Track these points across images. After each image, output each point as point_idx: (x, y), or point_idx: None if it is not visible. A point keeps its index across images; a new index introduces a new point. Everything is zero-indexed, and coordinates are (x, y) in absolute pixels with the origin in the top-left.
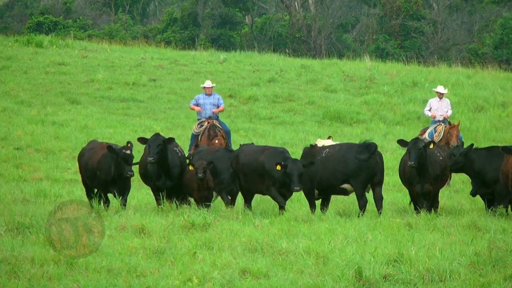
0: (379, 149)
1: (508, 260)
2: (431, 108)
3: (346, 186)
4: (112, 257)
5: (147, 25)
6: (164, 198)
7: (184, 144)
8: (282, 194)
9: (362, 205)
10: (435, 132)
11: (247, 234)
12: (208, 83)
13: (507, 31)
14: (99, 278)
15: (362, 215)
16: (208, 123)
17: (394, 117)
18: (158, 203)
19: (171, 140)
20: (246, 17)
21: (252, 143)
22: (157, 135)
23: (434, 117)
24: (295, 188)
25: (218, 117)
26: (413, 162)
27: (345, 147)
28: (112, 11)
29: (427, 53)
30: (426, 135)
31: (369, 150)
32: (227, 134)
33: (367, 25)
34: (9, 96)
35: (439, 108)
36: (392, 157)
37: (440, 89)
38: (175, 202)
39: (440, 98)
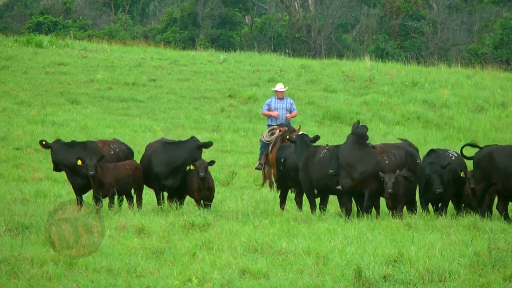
0: None
1: (508, 260)
2: None
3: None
4: (112, 257)
5: (147, 25)
6: (166, 198)
7: None
8: None
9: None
10: None
11: (246, 234)
12: (280, 87)
13: (507, 31)
14: (98, 278)
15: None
16: (280, 131)
17: (394, 117)
18: (159, 203)
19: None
20: (246, 17)
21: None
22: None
23: None
24: None
25: (290, 123)
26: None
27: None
28: (112, 11)
29: (427, 53)
30: None
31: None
32: None
33: (367, 25)
34: (9, 96)
35: None
36: None
37: None
38: (176, 202)
39: None
